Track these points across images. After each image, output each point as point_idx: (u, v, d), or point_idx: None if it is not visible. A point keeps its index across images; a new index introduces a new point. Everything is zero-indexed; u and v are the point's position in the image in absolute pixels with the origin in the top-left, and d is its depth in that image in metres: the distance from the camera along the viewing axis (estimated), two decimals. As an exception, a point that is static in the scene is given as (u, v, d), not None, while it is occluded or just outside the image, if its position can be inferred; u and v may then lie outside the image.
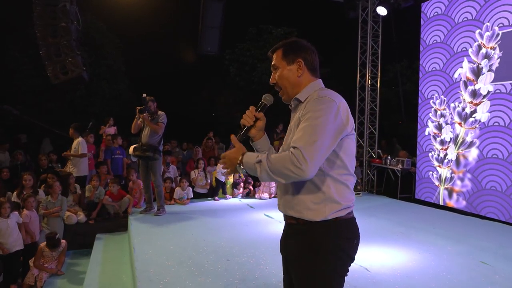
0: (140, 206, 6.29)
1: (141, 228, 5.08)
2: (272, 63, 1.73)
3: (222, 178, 7.37)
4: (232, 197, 7.35)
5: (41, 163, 7.11)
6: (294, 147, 1.43)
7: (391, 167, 8.06)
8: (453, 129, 6.64)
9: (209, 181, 7.47)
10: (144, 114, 5.46)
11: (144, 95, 5.57)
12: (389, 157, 8.19)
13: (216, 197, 7.22)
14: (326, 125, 1.46)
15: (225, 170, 1.63)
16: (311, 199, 1.56)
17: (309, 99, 1.58)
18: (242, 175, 7.71)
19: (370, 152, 8.91)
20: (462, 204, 6.42)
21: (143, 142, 5.57)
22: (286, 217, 1.69)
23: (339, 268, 1.56)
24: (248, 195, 7.57)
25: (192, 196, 6.93)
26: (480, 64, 6.16)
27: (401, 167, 7.79)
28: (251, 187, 7.65)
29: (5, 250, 4.29)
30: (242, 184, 7.56)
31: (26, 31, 10.63)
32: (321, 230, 1.54)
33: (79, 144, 6.38)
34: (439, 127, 6.94)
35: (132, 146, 5.73)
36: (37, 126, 10.83)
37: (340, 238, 1.56)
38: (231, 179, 7.48)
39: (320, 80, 1.71)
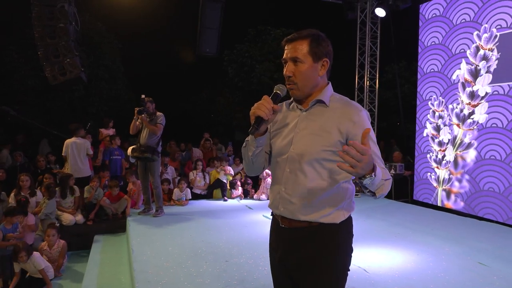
0: (138, 207, 6.28)
1: (140, 229, 5.07)
2: (292, 55, 1.54)
3: (224, 179, 7.37)
4: (230, 199, 7.35)
5: (39, 164, 7.10)
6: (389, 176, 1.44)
7: None
8: (451, 130, 6.66)
9: (207, 182, 7.46)
10: (143, 115, 5.46)
11: (143, 96, 5.58)
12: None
13: (225, 198, 7.23)
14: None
15: None
16: (334, 205, 1.56)
17: (346, 110, 1.54)
18: (243, 176, 7.71)
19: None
20: (460, 205, 6.44)
21: (141, 143, 5.57)
22: (291, 222, 1.59)
23: (349, 262, 1.63)
24: (247, 196, 7.57)
25: (191, 197, 6.93)
26: (478, 66, 6.18)
27: (393, 172, 7.76)
28: (249, 188, 7.65)
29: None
30: (239, 183, 7.55)
31: (25, 31, 10.62)
32: (339, 230, 1.57)
33: (64, 144, 6.41)
34: (437, 129, 6.95)
35: (131, 147, 5.72)
36: (35, 127, 10.81)
37: (348, 234, 1.63)
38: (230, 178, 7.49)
39: (330, 82, 1.66)
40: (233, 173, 7.56)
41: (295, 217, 1.57)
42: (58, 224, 5.21)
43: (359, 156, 1.24)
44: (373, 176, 1.29)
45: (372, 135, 1.50)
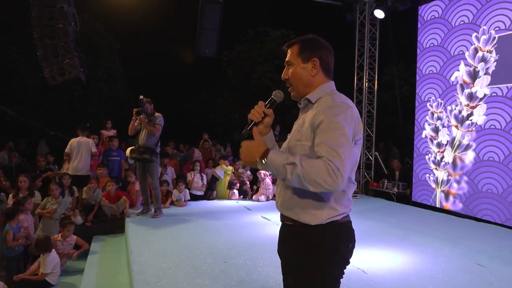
0: (137, 208, 6.27)
1: (138, 230, 5.07)
2: (286, 59, 1.68)
3: (221, 173, 7.40)
4: (229, 199, 7.36)
5: (39, 164, 7.10)
6: (328, 160, 1.37)
7: (387, 191, 8.07)
8: (450, 132, 6.67)
9: (205, 183, 7.45)
10: (141, 116, 5.44)
11: (141, 96, 5.55)
12: (386, 181, 8.21)
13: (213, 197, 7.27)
14: (347, 135, 1.45)
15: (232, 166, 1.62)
16: (310, 204, 1.55)
17: (322, 103, 1.55)
18: (237, 177, 7.72)
19: (367, 154, 8.94)
20: (459, 206, 6.45)
21: (140, 144, 5.55)
22: (283, 217, 1.68)
23: (335, 271, 1.57)
24: (245, 197, 7.57)
25: (189, 198, 6.92)
26: (477, 67, 6.20)
27: (396, 190, 7.83)
28: (247, 189, 7.65)
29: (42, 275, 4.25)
30: (237, 186, 7.54)
31: (25, 31, 10.61)
32: (317, 233, 1.55)
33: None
34: (436, 130, 6.97)
35: (129, 148, 5.71)
36: (34, 127, 10.80)
37: (336, 241, 1.57)
38: (227, 178, 7.49)
39: (333, 82, 1.68)
40: (230, 167, 7.56)
41: (283, 211, 1.66)
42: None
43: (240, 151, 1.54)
44: (264, 161, 1.47)
45: (334, 122, 1.45)
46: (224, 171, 7.47)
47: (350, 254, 1.61)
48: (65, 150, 6.53)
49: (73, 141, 6.52)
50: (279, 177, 1.51)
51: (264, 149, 1.49)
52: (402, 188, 7.83)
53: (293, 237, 1.62)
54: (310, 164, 1.38)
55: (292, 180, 1.41)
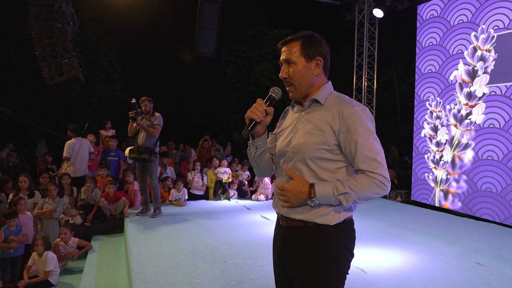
0: (135, 208, 6.27)
1: (137, 230, 5.06)
2: (285, 57, 1.59)
3: (224, 175, 7.43)
4: (227, 199, 7.36)
5: (40, 166, 7.08)
6: (371, 172, 1.46)
7: (391, 200, 8.08)
8: (449, 131, 6.68)
9: (205, 183, 7.45)
10: (137, 120, 5.38)
11: (133, 100, 5.45)
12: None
13: (221, 197, 7.32)
14: (376, 136, 1.52)
15: (282, 200, 1.56)
16: (330, 206, 1.53)
17: (339, 106, 1.53)
18: (238, 178, 7.72)
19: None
20: (458, 205, 6.45)
21: (139, 144, 5.55)
22: (288, 220, 1.61)
23: (345, 266, 1.59)
24: (245, 196, 7.57)
25: (187, 198, 6.91)
26: (476, 66, 6.20)
27: (400, 199, 7.85)
28: (247, 189, 7.64)
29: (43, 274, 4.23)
30: (235, 185, 7.53)
31: (22, 31, 10.60)
32: (330, 232, 1.54)
33: (65, 146, 6.33)
34: (435, 129, 6.97)
35: (128, 148, 5.70)
36: (32, 127, 10.78)
37: (346, 238, 1.59)
38: (229, 178, 7.51)
39: (330, 82, 1.66)
40: (229, 172, 7.57)
41: (291, 216, 1.59)
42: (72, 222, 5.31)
43: (283, 194, 1.54)
44: (314, 199, 1.48)
45: (364, 129, 1.49)
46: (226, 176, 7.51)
47: (354, 247, 1.64)
48: (64, 155, 6.27)
49: (72, 144, 6.29)
50: (334, 204, 1.51)
51: (308, 187, 1.50)
52: (406, 197, 7.87)
53: (302, 238, 1.57)
54: (358, 186, 1.47)
55: (348, 205, 1.50)
